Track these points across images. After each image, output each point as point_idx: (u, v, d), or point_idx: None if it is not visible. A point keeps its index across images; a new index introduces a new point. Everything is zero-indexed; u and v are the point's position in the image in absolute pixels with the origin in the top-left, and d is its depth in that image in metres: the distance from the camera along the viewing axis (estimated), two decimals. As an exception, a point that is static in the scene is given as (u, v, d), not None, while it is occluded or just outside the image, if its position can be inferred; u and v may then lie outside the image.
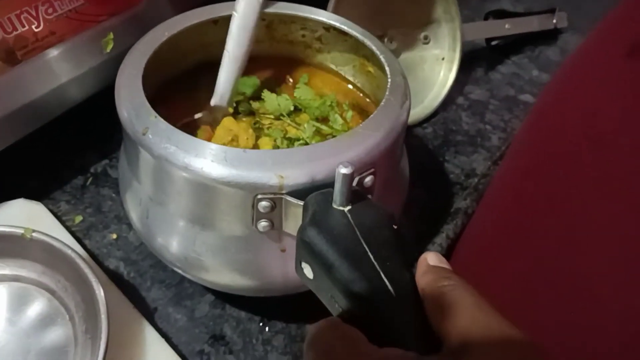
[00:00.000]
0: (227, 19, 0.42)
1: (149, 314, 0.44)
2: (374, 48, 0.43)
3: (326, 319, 0.27)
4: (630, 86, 0.34)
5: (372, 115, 0.37)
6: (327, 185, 0.32)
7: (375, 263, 0.28)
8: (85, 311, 0.40)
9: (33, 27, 0.42)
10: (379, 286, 0.27)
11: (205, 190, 0.34)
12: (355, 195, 0.31)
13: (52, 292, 0.42)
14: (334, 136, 0.45)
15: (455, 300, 0.25)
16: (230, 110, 0.45)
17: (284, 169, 0.33)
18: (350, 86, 0.50)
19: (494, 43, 0.68)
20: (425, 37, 0.60)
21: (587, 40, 0.39)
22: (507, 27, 0.66)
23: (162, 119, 0.35)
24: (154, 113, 0.35)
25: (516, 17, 0.69)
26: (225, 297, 0.46)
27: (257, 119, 0.46)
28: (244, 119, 0.46)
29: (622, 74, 0.35)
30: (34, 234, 0.40)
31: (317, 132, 0.45)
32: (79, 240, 0.47)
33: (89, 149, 0.53)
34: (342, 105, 0.47)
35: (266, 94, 0.47)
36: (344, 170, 0.29)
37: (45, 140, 0.48)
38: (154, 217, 0.38)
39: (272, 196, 0.33)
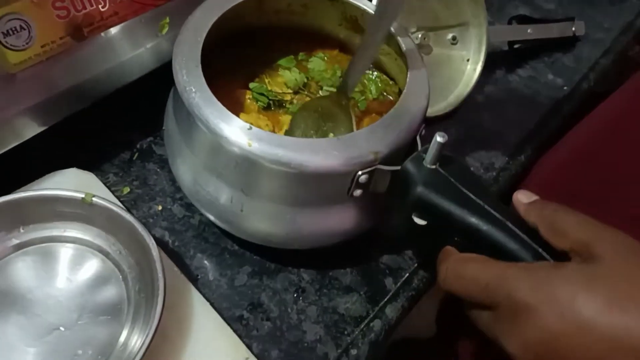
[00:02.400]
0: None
1: (193, 281, 0.47)
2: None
3: (453, 257, 0.37)
4: None
5: (403, 96, 0.44)
6: (397, 148, 0.41)
7: (479, 201, 0.37)
8: (139, 272, 0.43)
9: (100, 6, 0.45)
10: (493, 220, 0.36)
11: (314, 179, 0.41)
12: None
13: (106, 254, 0.45)
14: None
15: (562, 222, 0.32)
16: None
17: (375, 145, 0.40)
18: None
19: (516, 46, 0.72)
20: (454, 38, 0.63)
21: None
22: (529, 32, 0.70)
23: (256, 128, 0.39)
24: (247, 125, 0.39)
25: (538, 23, 0.72)
26: (262, 270, 0.49)
27: (277, 97, 0.51)
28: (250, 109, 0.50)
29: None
30: (94, 199, 0.43)
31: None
32: (127, 210, 0.50)
33: (136, 126, 0.56)
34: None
35: (282, 71, 0.52)
36: (440, 139, 0.38)
37: (95, 116, 0.51)
38: (250, 209, 0.43)
39: (369, 169, 0.40)
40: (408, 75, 0.45)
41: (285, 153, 0.39)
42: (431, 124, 0.64)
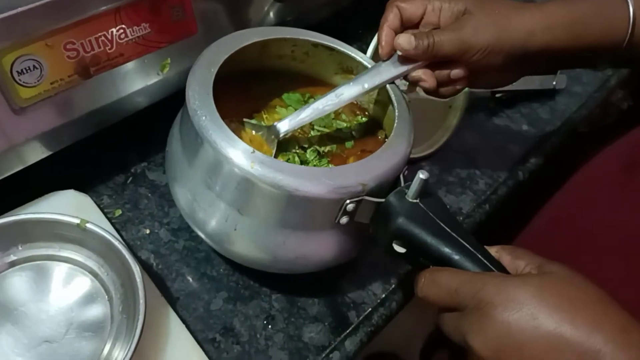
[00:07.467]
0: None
1: (172, 302, 0.52)
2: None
3: (430, 269, 0.41)
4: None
5: (392, 136, 0.49)
6: (383, 182, 0.46)
7: (453, 234, 0.42)
8: (123, 294, 0.48)
9: (107, 48, 0.49)
10: (463, 250, 0.41)
11: (306, 204, 0.45)
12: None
13: (95, 275, 0.49)
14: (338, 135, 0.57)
15: (520, 251, 0.41)
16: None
17: (363, 178, 0.45)
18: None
19: (498, 95, 0.77)
20: (438, 86, 0.67)
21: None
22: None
23: (260, 153, 0.43)
24: (251, 148, 0.43)
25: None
26: (237, 296, 0.54)
27: None
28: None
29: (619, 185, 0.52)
30: (87, 225, 0.48)
31: (321, 135, 0.56)
32: (117, 232, 0.54)
33: (132, 151, 0.61)
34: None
35: (280, 109, 0.56)
36: (422, 176, 0.42)
37: (95, 140, 0.55)
38: (243, 228, 0.47)
39: (356, 199, 0.44)
40: (396, 120, 0.50)
41: (283, 177, 0.43)
42: (408, 163, 0.69)
